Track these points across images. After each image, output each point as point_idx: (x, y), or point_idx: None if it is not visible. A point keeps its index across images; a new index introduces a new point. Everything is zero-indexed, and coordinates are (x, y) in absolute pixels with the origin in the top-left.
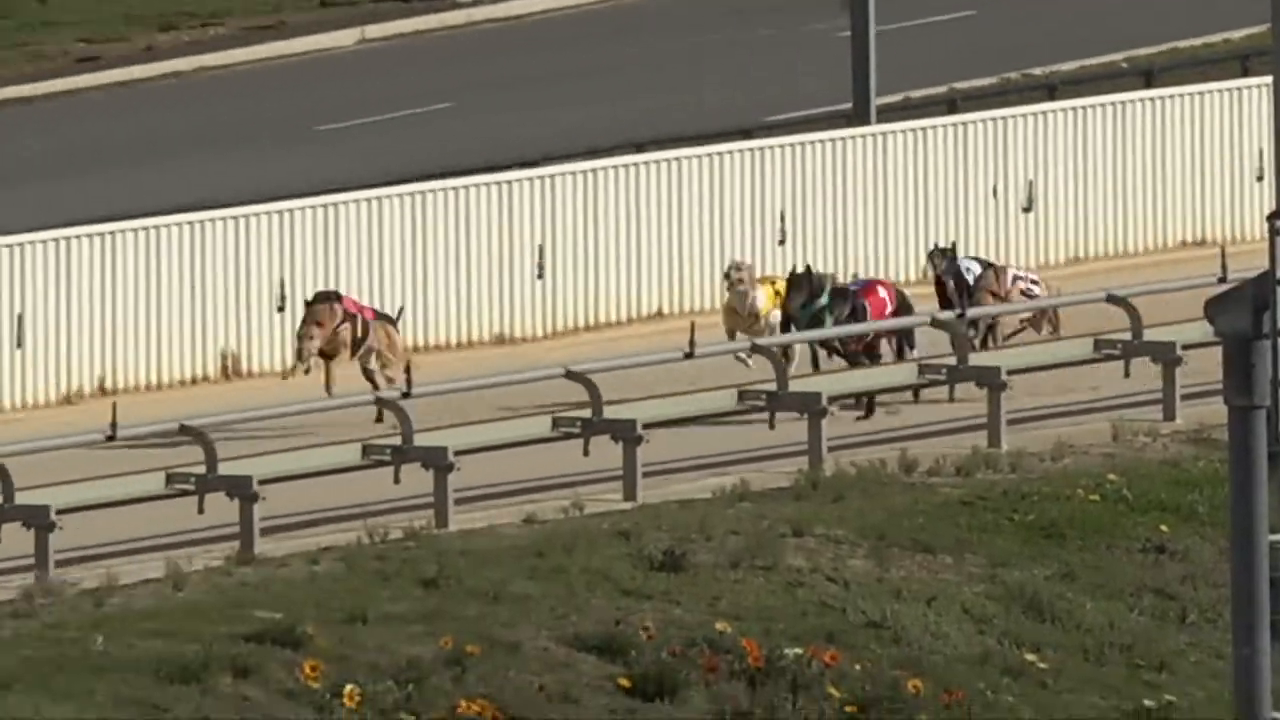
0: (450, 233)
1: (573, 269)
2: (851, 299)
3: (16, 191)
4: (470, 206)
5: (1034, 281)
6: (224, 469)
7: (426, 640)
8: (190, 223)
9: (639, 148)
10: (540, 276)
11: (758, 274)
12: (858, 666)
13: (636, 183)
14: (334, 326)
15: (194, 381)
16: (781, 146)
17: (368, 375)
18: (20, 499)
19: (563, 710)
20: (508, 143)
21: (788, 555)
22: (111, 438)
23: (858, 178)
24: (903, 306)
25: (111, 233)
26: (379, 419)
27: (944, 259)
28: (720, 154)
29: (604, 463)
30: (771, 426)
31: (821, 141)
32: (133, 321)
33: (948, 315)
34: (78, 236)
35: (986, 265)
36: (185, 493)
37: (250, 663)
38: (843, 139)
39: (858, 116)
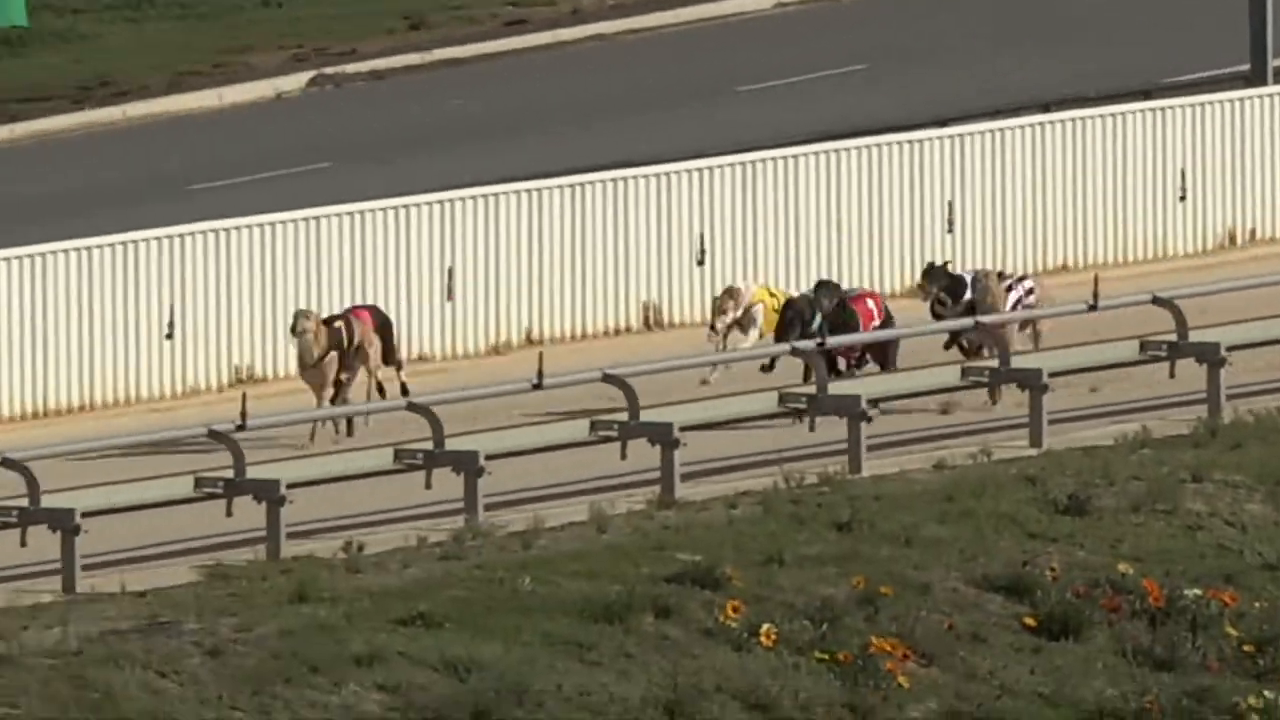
0: (863, 189)
1: (981, 223)
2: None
3: (448, 150)
4: (881, 165)
5: (1029, 290)
6: (645, 416)
7: (840, 581)
8: (615, 180)
9: (1044, 108)
10: (950, 230)
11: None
12: (1255, 606)
13: (1042, 141)
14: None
15: (617, 332)
16: (1181, 107)
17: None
18: (450, 445)
19: (971, 648)
20: (918, 103)
21: (1187, 500)
22: (538, 386)
23: (1255, 137)
24: (888, 319)
25: (539, 189)
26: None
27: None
28: (1121, 114)
29: (1011, 411)
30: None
31: (1220, 102)
32: (559, 275)
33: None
34: (505, 193)
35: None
36: (607, 439)
37: (671, 603)
38: (1241, 99)
39: (1255, 77)
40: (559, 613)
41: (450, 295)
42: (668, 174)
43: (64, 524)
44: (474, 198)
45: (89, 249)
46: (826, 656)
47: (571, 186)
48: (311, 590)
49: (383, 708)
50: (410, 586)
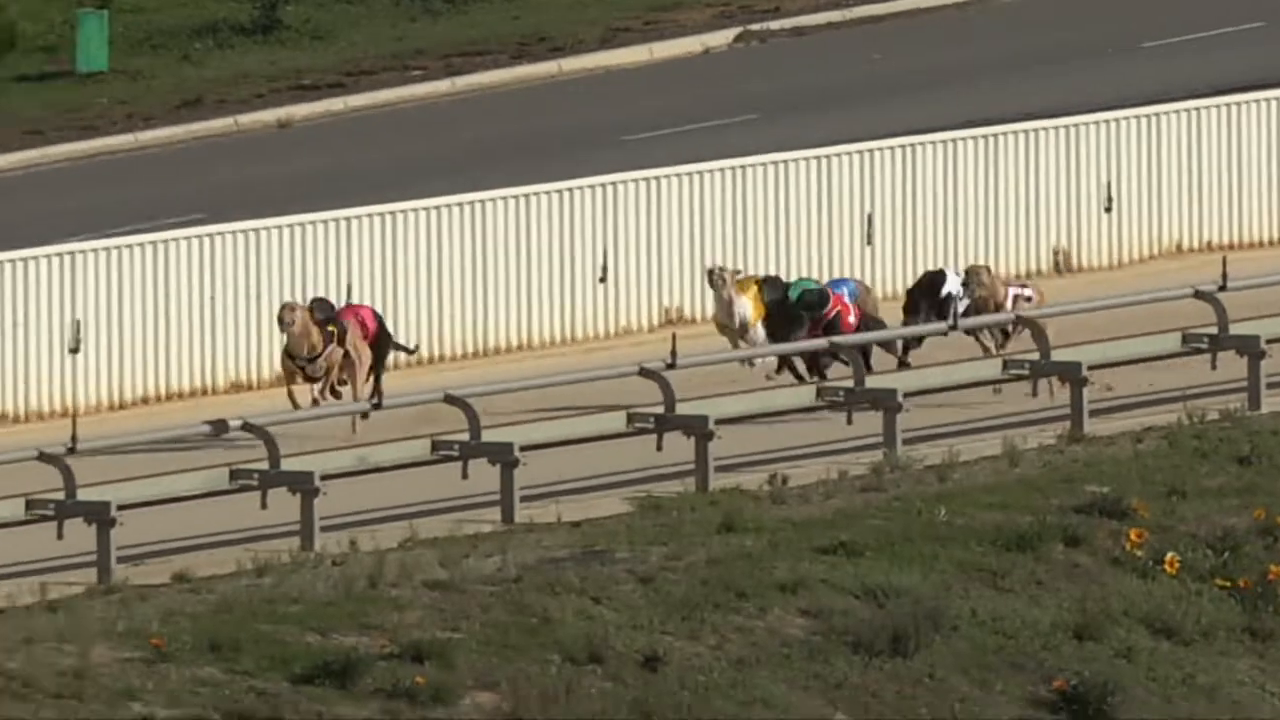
0: (1264, 143)
1: None
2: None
3: (867, 104)
4: None
5: (1026, 293)
6: (1057, 356)
7: (1240, 512)
8: (1024, 131)
9: None
10: None
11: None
12: None
13: None
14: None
15: (1027, 275)
16: None
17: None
18: (870, 383)
19: None
20: None
21: None
22: (953, 328)
23: None
24: (867, 318)
25: (954, 140)
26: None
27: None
28: None
29: None
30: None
31: None
32: (972, 221)
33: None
34: (921, 144)
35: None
36: (1020, 378)
37: (1080, 532)
38: None
39: None
40: (973, 542)
41: (869, 240)
42: (1074, 126)
43: (504, 458)
44: (891, 148)
45: (527, 196)
46: (1227, 583)
47: (984, 138)
48: (738, 520)
49: (805, 631)
50: (832, 517)
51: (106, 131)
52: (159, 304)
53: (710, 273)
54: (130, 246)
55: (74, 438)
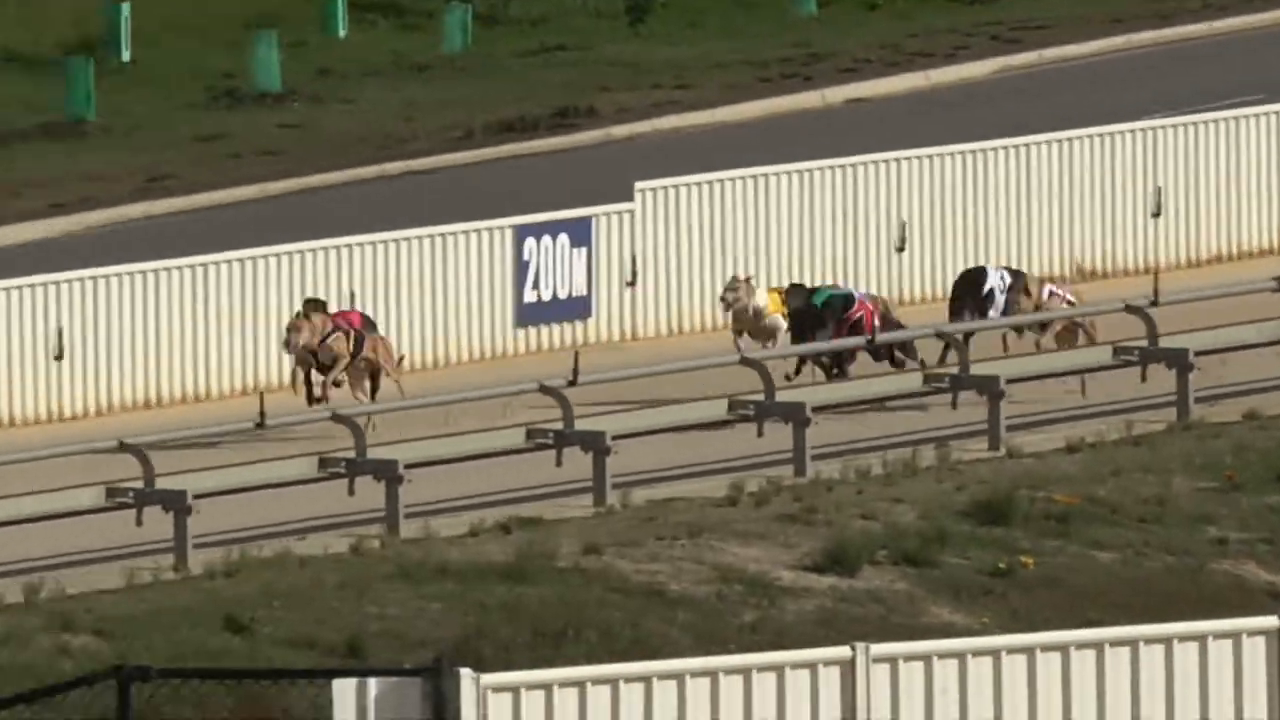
0: None
1: None
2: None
3: None
4: None
5: (1068, 299)
6: None
7: None
8: None
9: None
10: None
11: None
12: None
13: None
14: (323, 333)
15: None
16: None
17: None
18: None
19: None
20: None
21: None
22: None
23: None
24: (885, 320)
25: None
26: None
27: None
28: None
29: None
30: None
31: None
32: None
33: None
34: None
35: (1017, 274)
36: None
37: None
38: None
39: None
40: None
41: None
42: None
43: None
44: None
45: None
46: None
47: None
48: None
49: None
50: None
51: (1182, 20)
52: (1233, 173)
53: (734, 278)
54: (1205, 123)
55: (1157, 292)
